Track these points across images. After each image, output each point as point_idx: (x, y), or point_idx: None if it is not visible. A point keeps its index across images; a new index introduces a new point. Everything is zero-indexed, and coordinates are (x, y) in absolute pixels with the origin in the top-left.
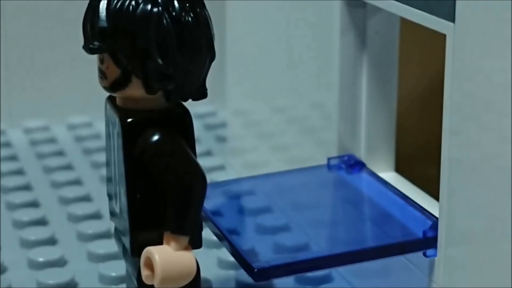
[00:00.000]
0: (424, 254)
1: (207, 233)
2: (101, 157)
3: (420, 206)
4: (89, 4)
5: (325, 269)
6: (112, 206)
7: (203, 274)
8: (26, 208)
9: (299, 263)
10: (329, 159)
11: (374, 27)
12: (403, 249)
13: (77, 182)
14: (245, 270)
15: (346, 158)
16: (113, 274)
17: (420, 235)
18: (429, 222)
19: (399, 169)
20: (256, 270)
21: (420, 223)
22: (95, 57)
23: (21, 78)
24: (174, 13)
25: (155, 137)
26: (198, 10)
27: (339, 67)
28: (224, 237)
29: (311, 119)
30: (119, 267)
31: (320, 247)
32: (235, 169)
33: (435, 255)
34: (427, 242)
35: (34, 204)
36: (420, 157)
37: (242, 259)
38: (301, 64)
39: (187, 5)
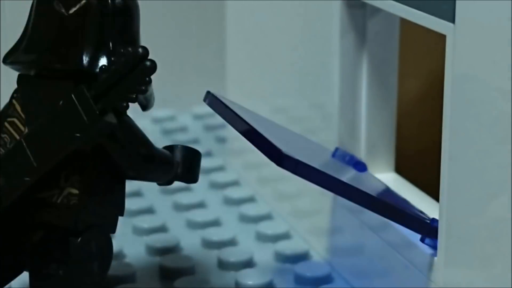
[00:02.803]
0: (422, 241)
1: (207, 234)
2: None
3: (419, 210)
4: None
5: (337, 193)
6: None
7: (203, 274)
8: None
9: (322, 173)
10: (336, 148)
11: (374, 27)
12: (411, 222)
13: None
14: (271, 156)
15: (348, 158)
16: (113, 275)
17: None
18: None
19: (399, 169)
20: (284, 153)
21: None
22: None
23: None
24: None
25: None
26: None
27: (339, 67)
28: (251, 128)
29: (311, 119)
30: (119, 268)
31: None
32: (235, 170)
33: (434, 244)
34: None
35: None
36: (420, 158)
37: (270, 145)
38: (301, 65)
39: None
